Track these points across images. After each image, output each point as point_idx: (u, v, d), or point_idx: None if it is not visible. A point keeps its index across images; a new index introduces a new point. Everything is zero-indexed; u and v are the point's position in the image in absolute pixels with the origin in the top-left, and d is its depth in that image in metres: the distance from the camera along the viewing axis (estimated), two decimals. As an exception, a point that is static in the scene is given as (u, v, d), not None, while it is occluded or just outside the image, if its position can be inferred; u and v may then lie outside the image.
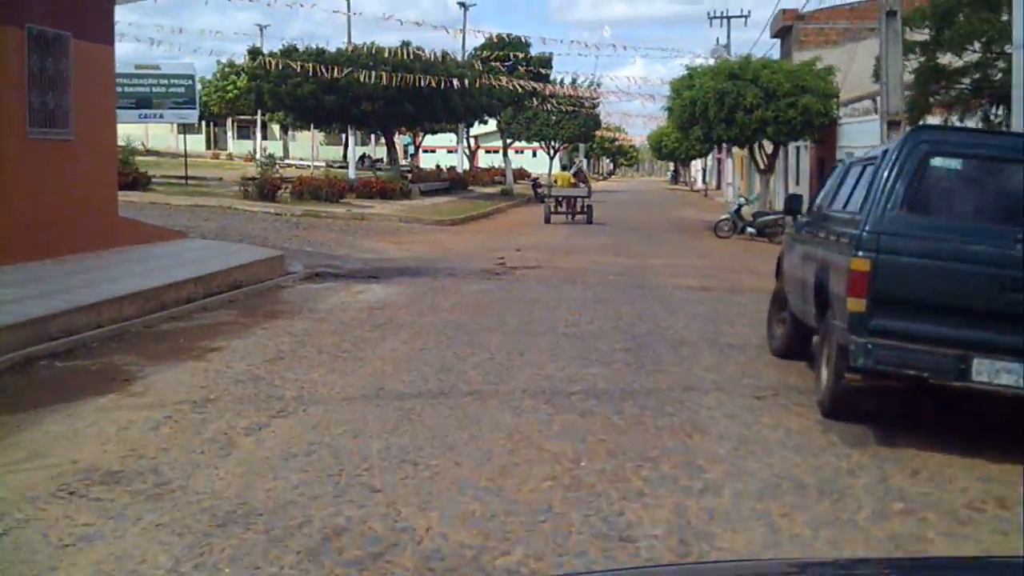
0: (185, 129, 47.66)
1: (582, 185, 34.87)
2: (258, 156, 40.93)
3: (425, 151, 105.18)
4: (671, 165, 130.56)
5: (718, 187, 73.47)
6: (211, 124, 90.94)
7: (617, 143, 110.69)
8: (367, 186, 37.50)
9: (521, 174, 73.11)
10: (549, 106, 53.17)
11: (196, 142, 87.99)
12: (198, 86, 45.62)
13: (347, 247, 22.29)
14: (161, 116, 39.62)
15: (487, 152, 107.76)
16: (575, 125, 64.75)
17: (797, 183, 37.32)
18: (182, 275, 14.01)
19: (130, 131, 74.33)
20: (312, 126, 62.85)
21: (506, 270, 19.32)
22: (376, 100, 39.77)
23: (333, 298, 14.57)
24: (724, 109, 28.75)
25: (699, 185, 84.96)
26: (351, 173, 47.41)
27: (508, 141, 51.92)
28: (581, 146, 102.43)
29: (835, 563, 3.34)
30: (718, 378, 10.04)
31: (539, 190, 48.51)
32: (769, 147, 31.68)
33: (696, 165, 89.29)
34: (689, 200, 59.22)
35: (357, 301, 14.36)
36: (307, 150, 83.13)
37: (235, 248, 18.05)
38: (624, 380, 9.77)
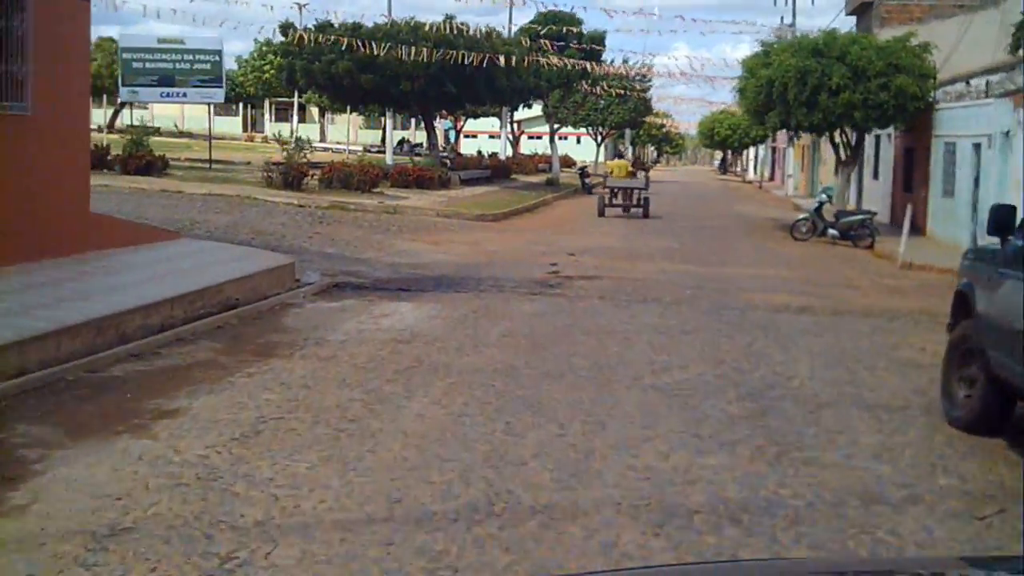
0: (214, 109, 44.69)
1: (640, 175, 31.73)
2: (284, 138, 37.65)
3: (466, 136, 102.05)
4: (717, 154, 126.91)
5: (772, 178, 69.72)
6: (248, 106, 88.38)
7: (664, 129, 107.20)
8: (403, 174, 34.36)
9: (566, 161, 69.77)
10: (599, 89, 49.74)
11: (232, 124, 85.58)
12: (227, 62, 42.79)
13: (375, 248, 19.15)
14: (184, 95, 36.68)
15: (530, 138, 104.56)
16: (625, 110, 61.33)
17: (876, 177, 33.77)
18: (157, 293, 10.91)
19: (166, 111, 72.32)
20: (348, 108, 59.99)
21: (561, 280, 16.14)
22: (416, 79, 36.57)
23: (349, 323, 11.41)
24: (806, 90, 25.31)
25: (751, 176, 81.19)
26: (388, 159, 44.46)
27: (555, 126, 48.59)
28: (627, 132, 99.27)
29: (836, 563, 3.35)
30: (898, 475, 6.78)
31: (587, 180, 45.28)
32: (852, 135, 28.14)
33: (749, 154, 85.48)
34: (745, 193, 55.64)
35: (379, 328, 11.19)
36: (345, 134, 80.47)
37: (237, 253, 14.95)
38: (763, 482, 6.52)
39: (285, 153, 31.89)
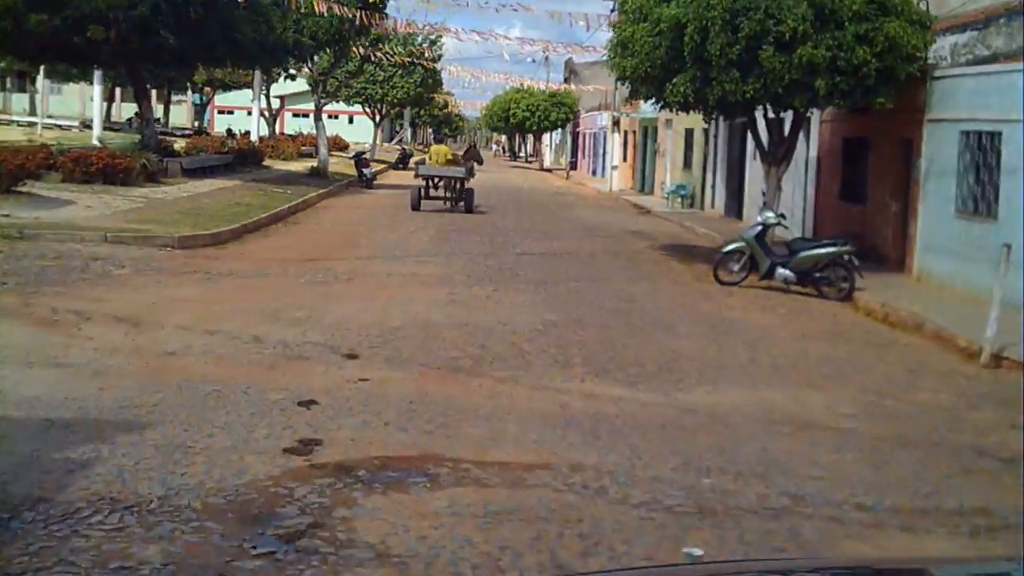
0: None
1: (467, 163, 26.75)
2: None
3: (222, 113, 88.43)
4: (498, 139, 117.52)
5: (574, 167, 60.40)
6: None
7: (446, 110, 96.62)
8: (82, 162, 22.26)
9: (337, 144, 58.15)
10: (380, 53, 38.29)
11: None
12: None
13: None
14: None
15: (295, 115, 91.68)
16: (410, 84, 50.32)
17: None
18: None
19: None
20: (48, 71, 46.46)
21: (315, 505, 5.29)
22: (114, 24, 24.44)
23: None
24: (739, 41, 15.17)
25: (547, 163, 71.83)
26: (94, 139, 32.00)
27: (322, 100, 37.06)
28: (406, 112, 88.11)
29: (836, 563, 3.34)
30: None
31: (366, 170, 34.13)
32: (783, 116, 18.17)
33: (545, 140, 76.08)
34: (560, 188, 45.74)
35: None
36: (74, 107, 65.82)
37: None
38: None
39: None
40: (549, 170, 63.98)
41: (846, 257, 14.78)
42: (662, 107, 18.38)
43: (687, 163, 33.16)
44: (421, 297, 12.50)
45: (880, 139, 18.20)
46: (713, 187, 29.46)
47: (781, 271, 15.11)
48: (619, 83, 18.24)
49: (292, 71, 44.92)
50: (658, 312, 12.66)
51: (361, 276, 13.97)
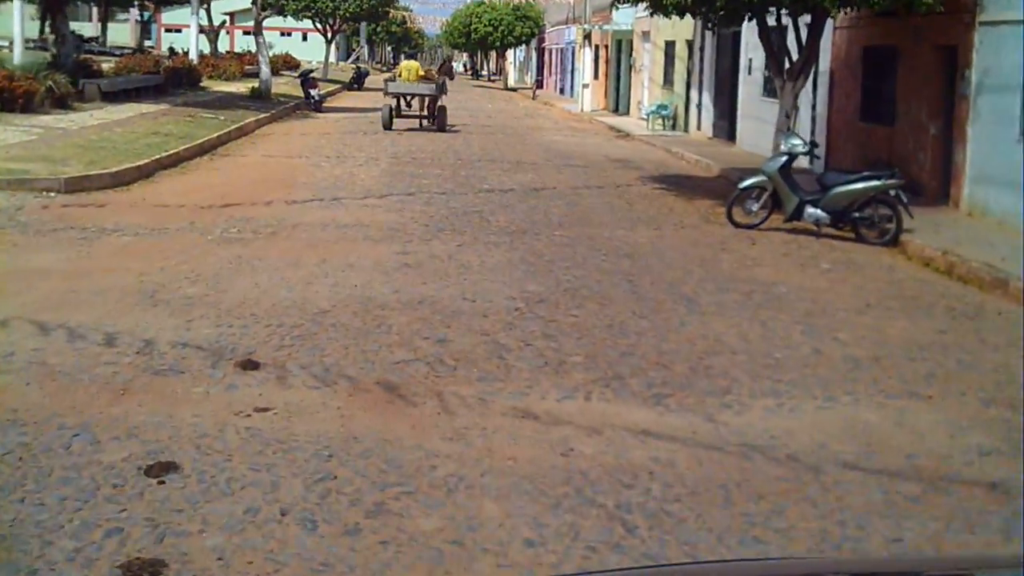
0: None
1: (440, 79, 25.53)
2: None
3: (168, 31, 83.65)
4: (459, 57, 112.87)
5: (540, 86, 56.90)
6: None
7: (404, 26, 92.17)
8: (-27, 85, 18.96)
9: (288, 63, 54.34)
10: None
11: None
12: None
13: None
14: None
15: (247, 34, 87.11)
16: (363, -4, 46.57)
17: (774, 95, 21.42)
18: None
19: None
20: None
21: None
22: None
23: None
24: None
25: (511, 82, 68.23)
26: (16, 58, 28.41)
27: (265, 14, 33.46)
28: (362, 28, 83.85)
29: (836, 562, 3.46)
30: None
31: (313, 92, 30.82)
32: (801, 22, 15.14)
33: (509, 57, 72.28)
34: (525, 108, 42.42)
35: None
36: (9, 25, 61.17)
37: None
38: None
39: None
40: (514, 89, 60.51)
41: (892, 192, 11.94)
42: (653, 11, 15.31)
43: (667, 80, 30.08)
44: (363, 259, 9.55)
45: (912, 47, 15.26)
46: (699, 106, 26.45)
47: (812, 211, 12.24)
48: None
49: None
50: (671, 272, 9.78)
51: (288, 229, 10.99)
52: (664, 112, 28.58)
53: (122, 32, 72.50)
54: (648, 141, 25.54)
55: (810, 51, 14.68)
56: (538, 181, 16.35)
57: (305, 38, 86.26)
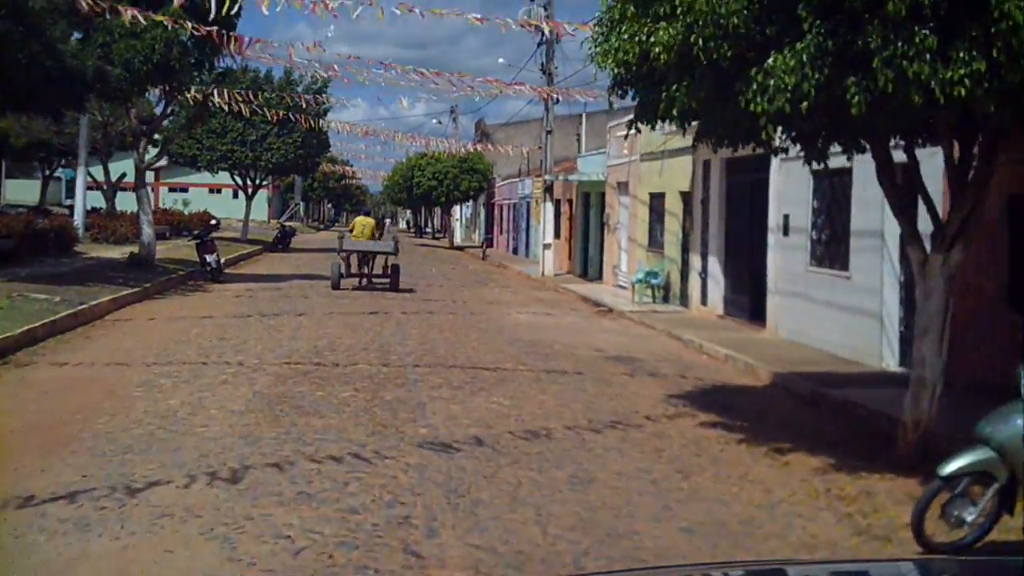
0: None
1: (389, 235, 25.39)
2: None
3: (91, 189, 77.47)
4: (407, 213, 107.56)
5: (489, 244, 51.10)
6: None
7: (344, 182, 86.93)
8: None
9: (205, 221, 48.14)
10: (235, 95, 28.34)
11: None
12: None
13: None
14: None
15: (173, 190, 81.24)
16: (290, 145, 40.94)
17: (842, 266, 15.50)
18: None
19: None
20: None
21: None
22: None
23: None
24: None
25: (457, 239, 62.66)
26: None
27: (150, 161, 27.01)
28: (298, 183, 78.47)
29: (836, 563, 3.23)
30: None
31: (210, 257, 24.53)
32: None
33: (455, 213, 66.87)
34: (474, 271, 36.39)
35: None
36: None
37: None
38: None
39: None
40: (461, 248, 54.78)
41: None
42: (705, 138, 9.21)
43: (654, 241, 24.26)
44: None
45: None
46: (703, 275, 20.48)
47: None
48: (611, 86, 8.97)
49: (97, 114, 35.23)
50: None
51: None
52: (655, 280, 22.60)
53: (28, 190, 66.24)
54: (641, 320, 19.40)
55: (976, 200, 8.63)
56: (511, 413, 9.92)
57: (237, 195, 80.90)
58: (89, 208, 40.86)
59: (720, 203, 19.82)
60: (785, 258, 16.49)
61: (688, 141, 21.37)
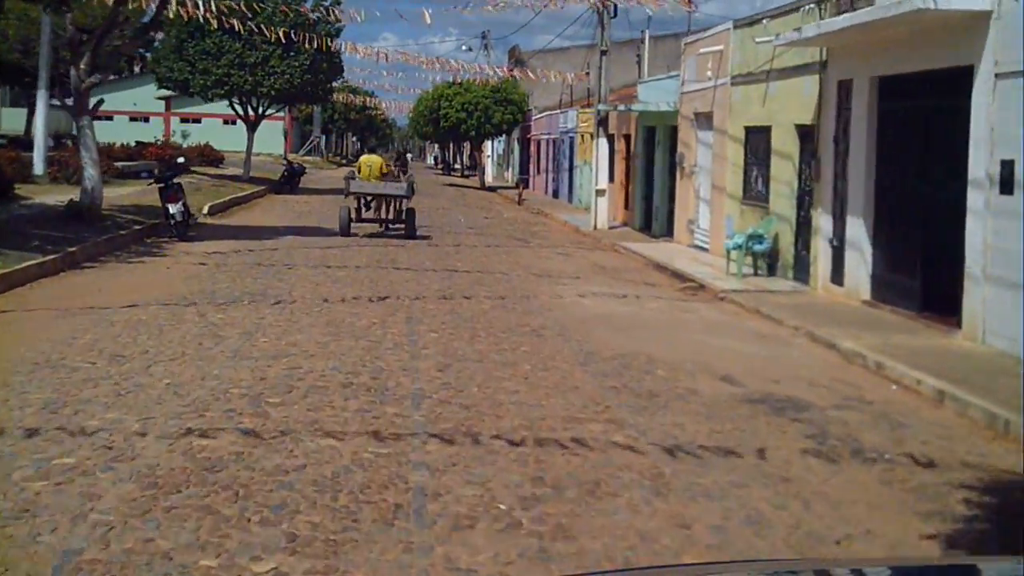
0: None
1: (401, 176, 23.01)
2: None
3: (102, 118, 71.92)
4: (434, 148, 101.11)
5: (526, 185, 45.17)
6: None
7: (367, 112, 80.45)
8: None
9: (206, 156, 42.45)
10: (236, 22, 22.00)
11: None
12: None
13: None
14: None
15: (184, 121, 75.15)
16: (296, 69, 35.15)
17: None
18: None
19: None
20: None
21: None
22: None
23: None
24: None
25: (489, 178, 56.75)
26: None
27: (91, 81, 20.96)
28: (317, 114, 72.58)
29: (835, 563, 3.25)
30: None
31: (172, 207, 18.93)
32: None
33: (487, 149, 60.70)
34: (510, 221, 30.64)
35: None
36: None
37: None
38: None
39: None
40: (493, 189, 48.90)
41: None
42: None
43: (750, 191, 18.48)
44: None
45: None
46: (835, 240, 14.67)
47: None
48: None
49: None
50: None
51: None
52: (759, 246, 16.81)
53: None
54: (756, 307, 13.63)
55: None
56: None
57: (235, 123, 74.84)
58: (67, 142, 35.49)
59: (868, 142, 13.94)
60: (1003, 228, 10.67)
61: (813, 54, 15.62)
